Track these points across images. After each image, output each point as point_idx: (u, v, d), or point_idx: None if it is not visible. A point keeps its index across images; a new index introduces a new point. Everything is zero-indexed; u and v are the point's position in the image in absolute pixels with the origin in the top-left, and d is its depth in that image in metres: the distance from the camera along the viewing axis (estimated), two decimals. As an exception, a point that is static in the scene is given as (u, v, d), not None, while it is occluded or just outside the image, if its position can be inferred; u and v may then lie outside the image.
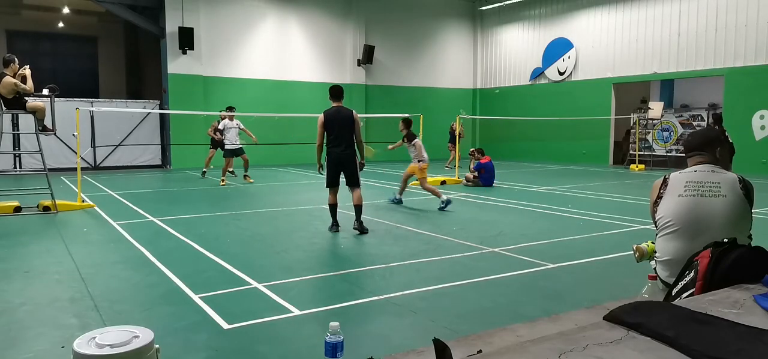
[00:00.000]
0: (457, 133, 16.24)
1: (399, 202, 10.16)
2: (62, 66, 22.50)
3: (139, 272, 5.51)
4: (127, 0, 17.92)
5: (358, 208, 7.40)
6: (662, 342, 1.51)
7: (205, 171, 15.20)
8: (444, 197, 9.57)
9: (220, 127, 13.95)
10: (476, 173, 13.37)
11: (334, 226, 7.51)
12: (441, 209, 9.41)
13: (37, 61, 14.65)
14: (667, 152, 18.88)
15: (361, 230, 7.30)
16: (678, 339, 1.50)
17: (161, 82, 19.10)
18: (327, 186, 7.52)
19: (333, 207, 7.54)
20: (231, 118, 13.66)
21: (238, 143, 13.72)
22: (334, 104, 7.40)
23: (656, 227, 3.18)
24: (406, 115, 11.06)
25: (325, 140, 7.34)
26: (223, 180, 13.55)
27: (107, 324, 3.96)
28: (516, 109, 22.56)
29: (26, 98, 9.03)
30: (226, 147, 13.59)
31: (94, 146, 12.70)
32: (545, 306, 4.40)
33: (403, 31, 22.93)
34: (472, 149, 14.48)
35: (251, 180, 13.92)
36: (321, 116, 7.35)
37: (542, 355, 1.42)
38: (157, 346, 1.78)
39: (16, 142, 15.08)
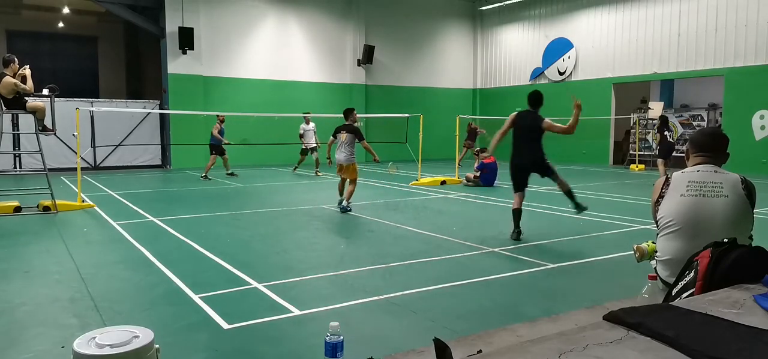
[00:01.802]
0: (460, 133, 16.17)
1: (347, 210, 9.07)
2: (62, 66, 22.48)
3: (139, 272, 5.51)
4: (127, 0, 17.91)
5: (567, 193, 7.19)
6: (662, 342, 1.51)
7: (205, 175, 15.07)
8: (345, 202, 9.14)
9: (301, 131, 16.10)
10: (477, 173, 13.36)
11: (515, 232, 6.99)
12: (343, 209, 9.07)
13: (37, 61, 14.62)
14: (667, 152, 18.87)
15: (578, 207, 7.19)
16: (678, 339, 1.49)
17: (161, 82, 19.10)
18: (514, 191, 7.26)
19: (516, 212, 7.10)
20: (307, 121, 15.94)
21: (313, 143, 15.86)
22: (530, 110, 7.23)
23: (657, 226, 3.18)
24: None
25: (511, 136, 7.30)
26: (317, 172, 15.80)
27: (107, 324, 3.96)
28: (516, 109, 22.53)
29: (26, 98, 9.03)
30: (303, 147, 16.04)
31: (94, 146, 12.69)
32: (545, 306, 4.40)
33: (403, 32, 22.93)
34: (476, 149, 14.45)
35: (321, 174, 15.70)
36: (514, 114, 7.34)
37: (542, 355, 1.42)
38: (157, 346, 1.79)
39: (16, 142, 15.08)
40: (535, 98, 7.29)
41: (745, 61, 16.30)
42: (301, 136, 16.07)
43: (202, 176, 14.71)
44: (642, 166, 18.09)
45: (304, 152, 16.24)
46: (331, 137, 9.47)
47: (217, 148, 14.82)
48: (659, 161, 13.29)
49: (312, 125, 16.00)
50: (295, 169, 16.86)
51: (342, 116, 9.61)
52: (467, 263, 5.90)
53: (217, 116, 15.06)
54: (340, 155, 9.16)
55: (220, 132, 14.77)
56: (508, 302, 4.64)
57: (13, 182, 12.85)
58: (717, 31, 16.91)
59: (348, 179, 9.24)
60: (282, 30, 20.31)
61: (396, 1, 22.71)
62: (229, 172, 15.26)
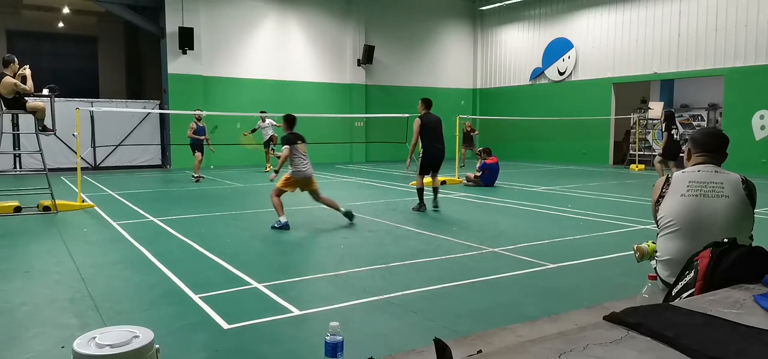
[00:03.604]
0: (459, 134, 16.16)
1: (286, 226, 7.69)
2: (62, 66, 22.49)
3: (139, 272, 5.51)
4: (127, 0, 17.91)
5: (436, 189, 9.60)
6: (662, 342, 1.51)
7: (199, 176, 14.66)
8: (343, 209, 8.11)
9: (256, 127, 16.71)
10: (478, 173, 13.34)
11: (421, 206, 9.31)
12: (348, 216, 8.06)
13: (37, 61, 14.62)
14: (667, 152, 18.85)
15: (436, 206, 9.40)
16: (678, 339, 1.49)
17: (161, 82, 19.10)
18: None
19: (420, 191, 9.43)
20: (263, 119, 16.45)
21: (271, 133, 16.58)
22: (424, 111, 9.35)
23: (658, 226, 3.17)
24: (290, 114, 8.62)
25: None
26: (268, 167, 16.47)
27: (107, 324, 3.96)
28: (516, 109, 22.56)
29: (26, 98, 9.03)
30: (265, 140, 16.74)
31: (94, 146, 12.70)
32: (545, 306, 4.39)
33: (403, 31, 22.93)
34: (479, 149, 14.44)
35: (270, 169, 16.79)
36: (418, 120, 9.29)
37: (542, 355, 1.42)
38: (157, 346, 1.79)
39: (16, 142, 15.07)
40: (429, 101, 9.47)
41: (745, 61, 16.30)
42: (255, 130, 16.68)
43: (194, 178, 14.30)
44: (642, 166, 18.09)
45: (267, 145, 16.74)
46: (287, 149, 7.92)
47: (197, 145, 14.41)
48: (657, 160, 12.80)
49: (268, 121, 16.47)
50: (273, 171, 16.18)
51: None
52: (467, 263, 5.90)
53: (195, 115, 14.50)
54: (309, 168, 7.97)
55: (198, 130, 14.33)
56: (508, 302, 4.63)
57: (13, 182, 12.85)
58: (717, 31, 16.91)
59: (314, 191, 8.08)
60: (282, 30, 20.31)
61: (396, 1, 22.70)
62: (197, 176, 14.29)
